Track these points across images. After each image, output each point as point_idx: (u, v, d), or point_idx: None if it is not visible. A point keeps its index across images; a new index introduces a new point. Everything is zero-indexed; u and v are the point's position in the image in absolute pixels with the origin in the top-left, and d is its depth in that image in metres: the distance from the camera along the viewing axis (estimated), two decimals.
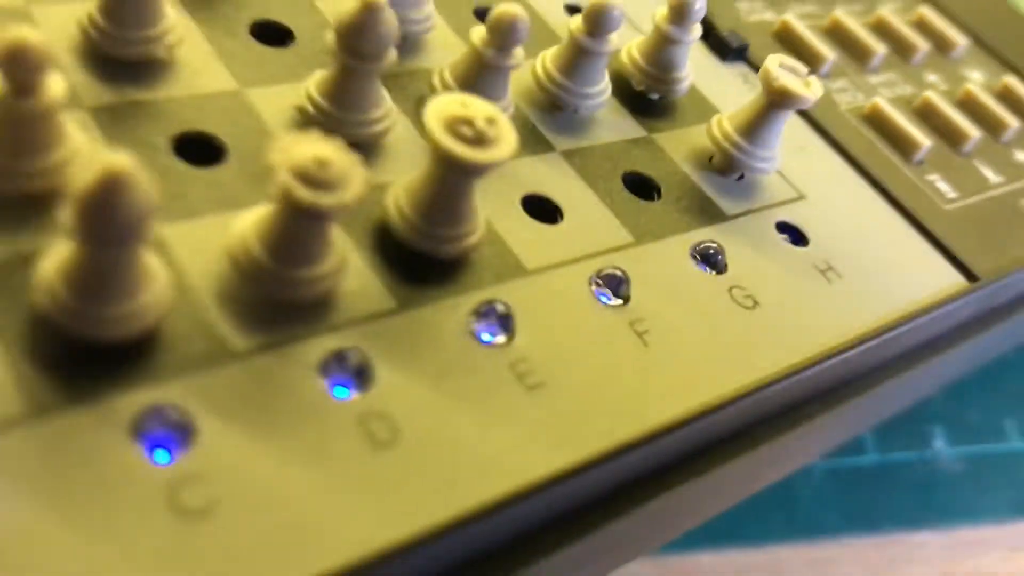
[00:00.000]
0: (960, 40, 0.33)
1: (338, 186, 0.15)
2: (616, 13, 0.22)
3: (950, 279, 0.25)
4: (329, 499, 0.14)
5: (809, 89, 0.23)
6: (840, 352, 0.21)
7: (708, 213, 0.23)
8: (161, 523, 0.13)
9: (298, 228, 0.16)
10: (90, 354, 0.14)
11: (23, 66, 0.15)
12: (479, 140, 0.16)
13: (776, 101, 0.23)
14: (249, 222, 0.16)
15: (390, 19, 0.18)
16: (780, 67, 0.23)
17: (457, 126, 0.16)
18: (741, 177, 0.24)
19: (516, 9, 0.20)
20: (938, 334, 0.25)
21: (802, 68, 0.23)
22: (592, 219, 0.21)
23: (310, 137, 0.15)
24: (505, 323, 0.18)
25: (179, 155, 0.18)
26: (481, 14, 0.25)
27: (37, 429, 0.13)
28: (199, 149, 0.19)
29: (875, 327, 0.22)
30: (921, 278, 0.24)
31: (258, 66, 0.21)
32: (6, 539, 0.12)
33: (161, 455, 0.14)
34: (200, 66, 0.20)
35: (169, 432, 0.14)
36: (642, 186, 0.23)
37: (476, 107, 0.17)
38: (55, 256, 0.15)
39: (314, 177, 0.15)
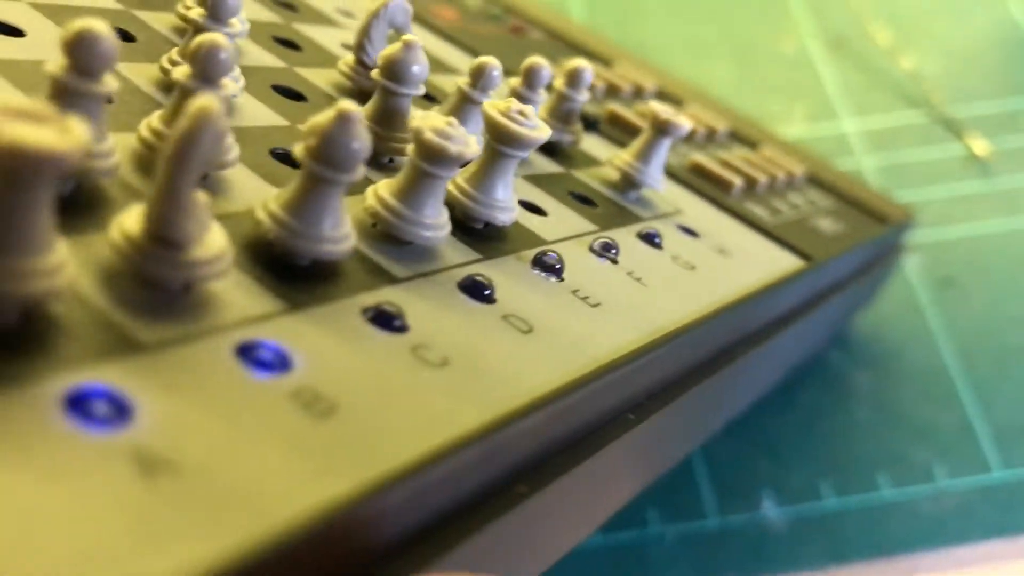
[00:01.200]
0: (721, 126, 0.43)
1: None
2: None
3: (791, 262, 0.32)
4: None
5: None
6: (708, 318, 0.24)
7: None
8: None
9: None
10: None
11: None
12: None
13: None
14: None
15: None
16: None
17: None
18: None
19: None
20: (787, 307, 0.32)
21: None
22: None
23: None
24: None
25: None
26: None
27: None
28: None
29: (741, 294, 0.27)
30: (769, 261, 0.32)
31: None
32: None
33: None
34: None
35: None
36: None
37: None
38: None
39: None
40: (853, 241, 0.38)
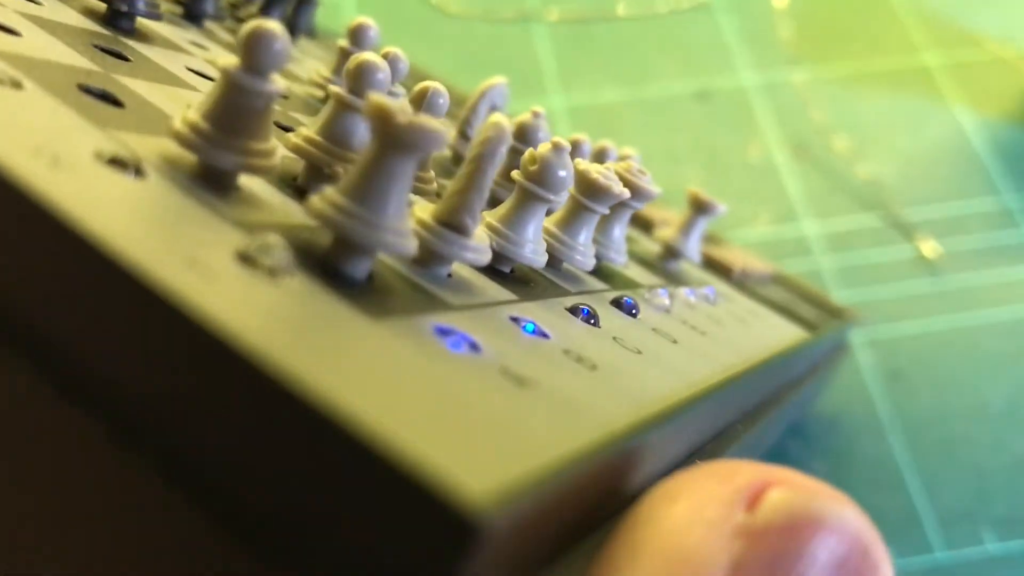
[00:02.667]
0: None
1: None
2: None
3: (798, 332, 0.37)
4: None
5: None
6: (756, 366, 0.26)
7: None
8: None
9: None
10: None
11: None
12: None
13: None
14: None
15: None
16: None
17: None
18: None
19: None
20: (794, 378, 0.36)
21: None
22: None
23: None
24: None
25: None
26: None
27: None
28: None
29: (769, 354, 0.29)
30: (781, 328, 0.36)
31: None
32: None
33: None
34: None
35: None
36: None
37: None
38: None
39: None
40: (830, 325, 0.42)
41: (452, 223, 0.18)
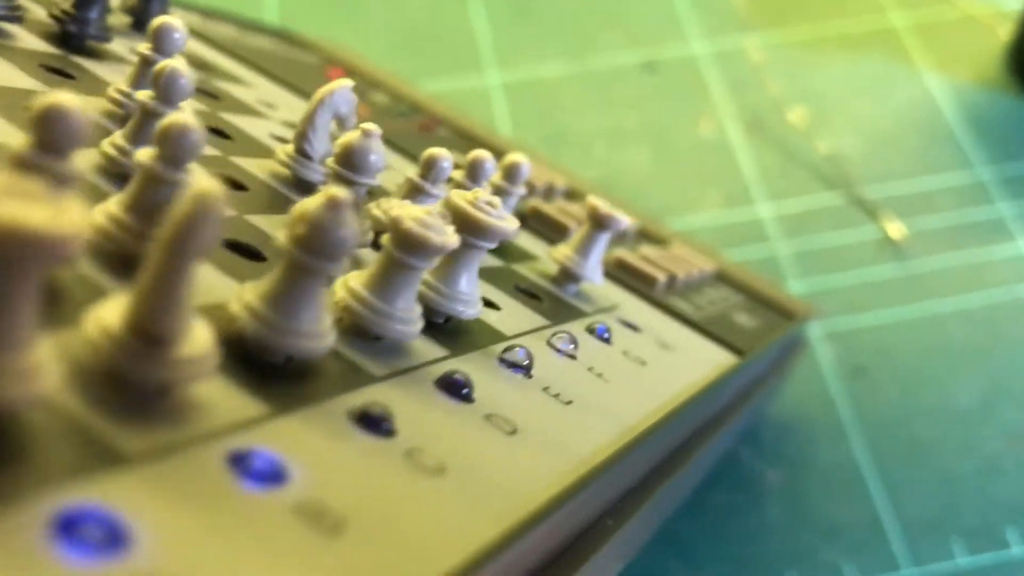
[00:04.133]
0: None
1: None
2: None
3: (726, 357, 0.32)
4: None
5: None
6: (672, 414, 0.24)
7: None
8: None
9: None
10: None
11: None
12: None
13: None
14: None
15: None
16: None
17: None
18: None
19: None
20: (724, 401, 0.32)
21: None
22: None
23: None
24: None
25: None
26: None
27: None
28: None
29: (693, 390, 0.27)
30: (707, 355, 0.32)
31: None
32: None
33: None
34: None
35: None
36: None
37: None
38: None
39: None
40: (771, 336, 0.38)
41: (149, 332, 0.13)
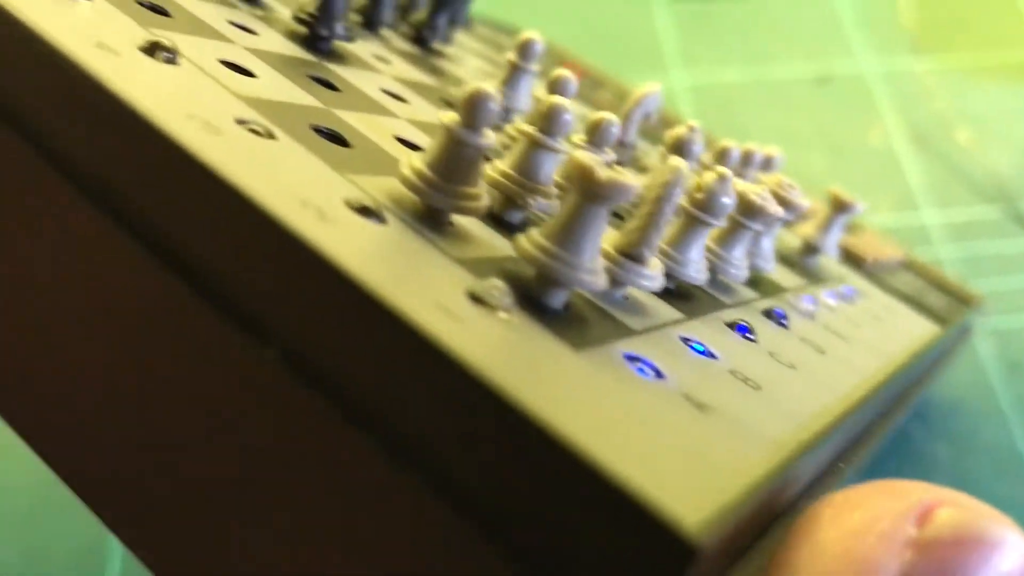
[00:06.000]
0: None
1: None
2: None
3: (929, 327, 0.38)
4: None
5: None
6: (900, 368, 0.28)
7: None
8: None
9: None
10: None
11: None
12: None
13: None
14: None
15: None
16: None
17: None
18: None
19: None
20: (925, 370, 0.38)
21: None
22: None
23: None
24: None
25: None
26: None
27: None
28: None
29: (912, 351, 0.33)
30: (915, 324, 0.37)
31: None
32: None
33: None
34: None
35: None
36: None
37: None
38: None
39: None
40: (959, 314, 0.44)
41: (633, 255, 0.20)
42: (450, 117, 0.19)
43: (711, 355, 0.21)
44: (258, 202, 0.15)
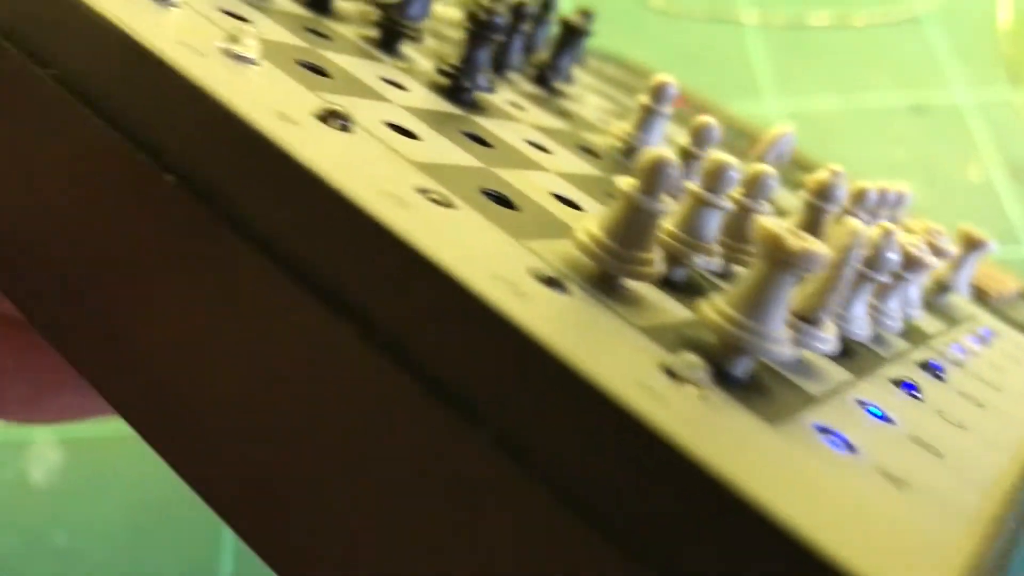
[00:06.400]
0: None
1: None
2: None
3: None
4: None
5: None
6: None
7: None
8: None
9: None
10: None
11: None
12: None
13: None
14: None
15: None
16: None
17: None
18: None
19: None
20: None
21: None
22: None
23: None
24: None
25: None
26: None
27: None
28: None
29: None
30: None
31: None
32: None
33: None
34: None
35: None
36: None
37: None
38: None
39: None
40: None
41: (811, 319, 0.20)
42: (628, 183, 0.18)
43: (888, 420, 0.20)
44: (460, 280, 0.15)
